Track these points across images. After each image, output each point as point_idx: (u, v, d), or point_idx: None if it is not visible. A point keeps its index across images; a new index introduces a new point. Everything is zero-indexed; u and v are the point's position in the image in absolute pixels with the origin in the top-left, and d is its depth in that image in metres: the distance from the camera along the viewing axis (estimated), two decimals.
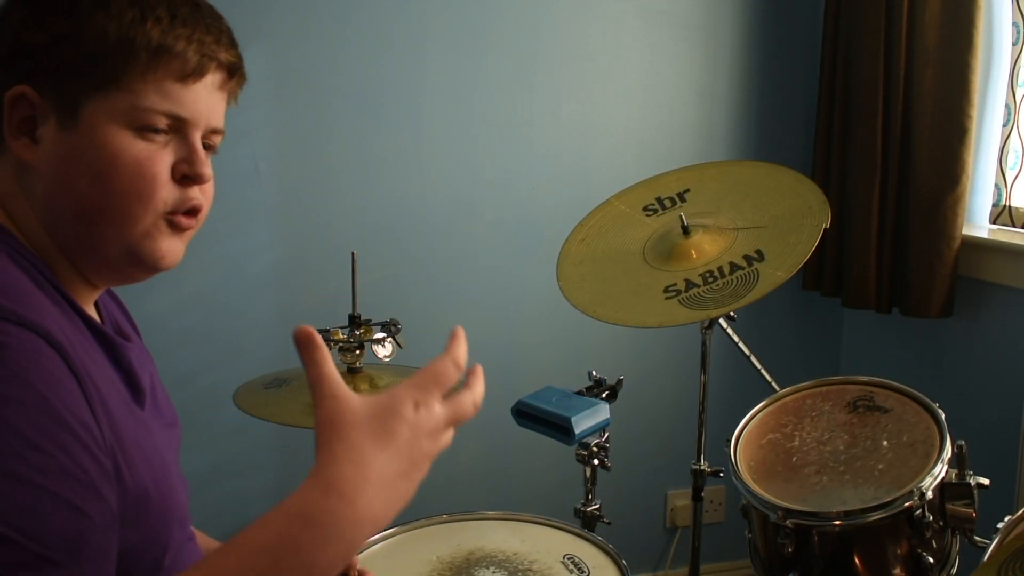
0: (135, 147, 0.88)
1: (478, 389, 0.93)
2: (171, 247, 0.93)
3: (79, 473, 0.75)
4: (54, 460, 0.74)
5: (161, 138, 0.90)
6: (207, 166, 0.94)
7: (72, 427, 0.76)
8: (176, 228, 0.93)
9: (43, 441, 0.73)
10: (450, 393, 0.87)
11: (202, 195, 0.95)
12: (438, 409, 0.84)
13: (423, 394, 0.83)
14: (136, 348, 0.99)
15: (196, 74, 0.91)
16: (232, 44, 0.95)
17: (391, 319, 1.82)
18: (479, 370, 0.95)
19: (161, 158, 0.90)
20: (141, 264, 0.93)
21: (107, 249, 0.91)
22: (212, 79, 0.93)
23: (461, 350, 0.91)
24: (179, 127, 0.91)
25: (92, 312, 0.96)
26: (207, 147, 0.96)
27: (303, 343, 0.82)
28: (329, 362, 0.83)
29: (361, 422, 0.80)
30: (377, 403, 0.81)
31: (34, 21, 0.88)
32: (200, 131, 0.93)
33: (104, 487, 0.78)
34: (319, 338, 0.82)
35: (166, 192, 0.91)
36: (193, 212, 0.94)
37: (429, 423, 0.83)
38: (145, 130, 0.89)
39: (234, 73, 0.96)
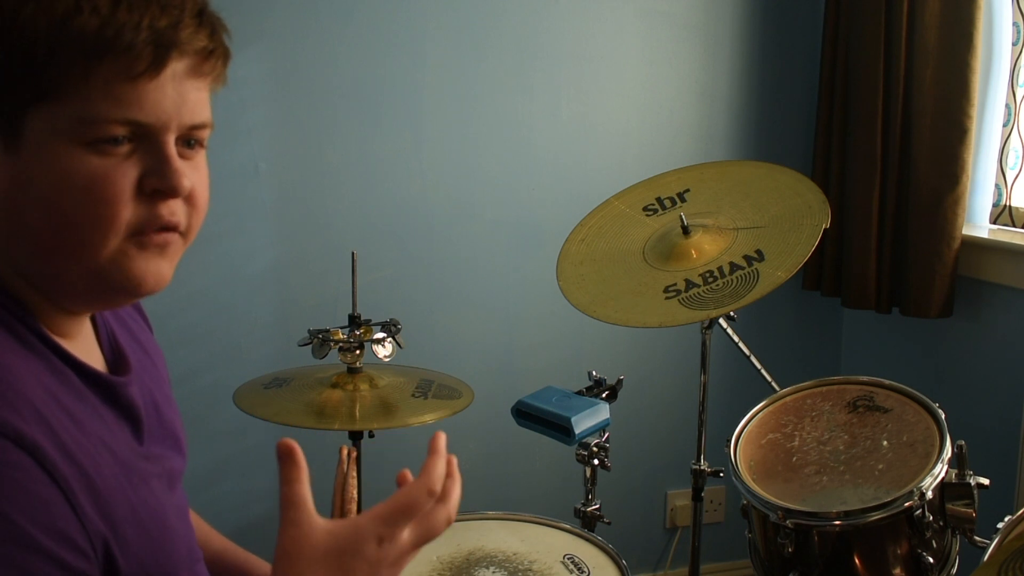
0: (87, 165, 0.75)
1: (453, 500, 0.84)
2: (149, 268, 0.81)
3: None
4: None
5: (121, 149, 0.76)
6: (183, 176, 0.79)
7: (41, 547, 0.71)
8: (151, 248, 0.80)
9: (9, 573, 0.69)
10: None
11: (181, 209, 0.81)
12: (404, 538, 0.81)
13: (389, 529, 0.79)
14: (136, 373, 0.92)
15: (151, 70, 0.75)
16: (200, 23, 0.79)
17: (391, 319, 1.82)
18: (456, 474, 0.86)
19: (122, 173, 0.76)
20: (117, 292, 0.82)
21: (75, 282, 0.80)
22: (176, 69, 0.77)
23: (438, 470, 0.83)
24: (143, 133, 0.77)
25: (85, 344, 0.88)
26: (191, 144, 0.82)
27: (283, 457, 0.78)
28: (304, 484, 0.79)
29: (319, 558, 0.77)
30: (339, 538, 0.78)
31: None
32: (172, 133, 0.79)
33: None
34: (300, 456, 0.79)
35: (129, 212, 0.77)
36: (169, 228, 0.81)
37: (392, 555, 0.80)
38: (98, 143, 0.75)
39: (207, 57, 0.80)
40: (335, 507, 1.00)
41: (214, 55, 0.81)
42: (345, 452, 0.99)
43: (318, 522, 0.79)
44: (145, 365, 0.98)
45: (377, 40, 2.30)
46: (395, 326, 1.80)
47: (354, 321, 1.77)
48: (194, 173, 0.83)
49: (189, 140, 0.82)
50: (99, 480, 0.78)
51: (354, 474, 0.98)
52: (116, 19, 0.74)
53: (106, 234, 0.77)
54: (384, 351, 1.75)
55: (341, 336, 1.75)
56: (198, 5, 0.80)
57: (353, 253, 1.76)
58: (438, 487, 0.83)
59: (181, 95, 0.79)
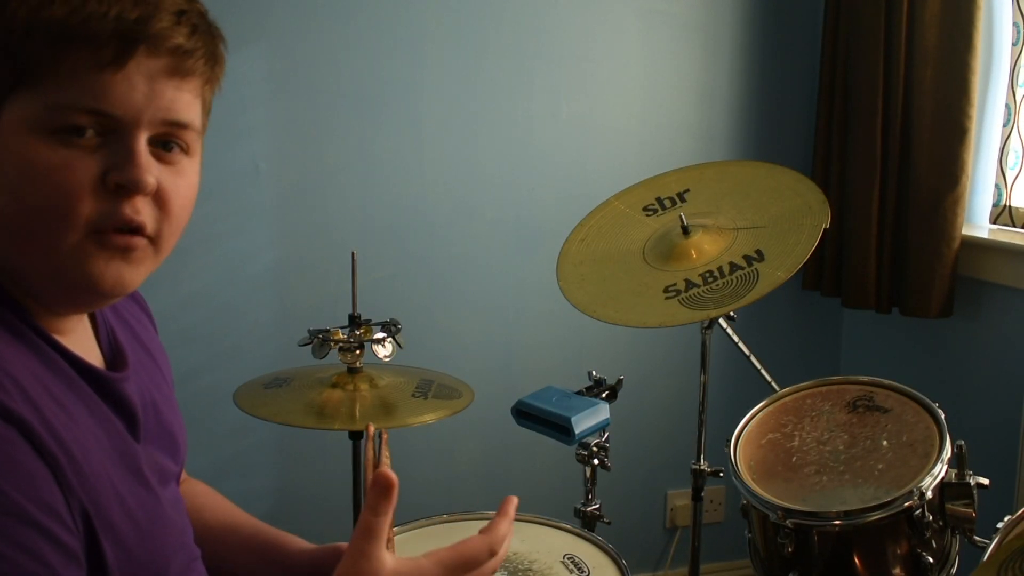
0: (50, 154, 0.75)
1: (501, 556, 0.89)
2: (108, 270, 0.78)
3: (41, 570, 0.72)
4: (15, 565, 0.70)
5: (87, 141, 0.76)
6: (145, 171, 0.77)
7: (33, 519, 0.71)
8: (111, 248, 0.78)
9: (3, 545, 0.69)
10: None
11: (148, 210, 0.79)
12: None
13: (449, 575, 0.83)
14: (134, 370, 0.91)
15: (116, 61, 0.75)
16: (178, 21, 0.78)
17: (391, 319, 1.82)
18: (511, 533, 0.91)
19: (83, 165, 0.75)
20: (78, 290, 0.80)
21: (38, 275, 0.79)
22: (149, 65, 0.77)
23: (502, 531, 0.88)
24: (110, 126, 0.76)
25: (81, 340, 0.87)
26: (168, 147, 0.81)
27: (381, 488, 0.79)
28: (388, 518, 0.80)
29: None
30: None
31: None
32: (142, 129, 0.78)
33: (69, 570, 0.75)
34: (396, 492, 0.80)
35: (89, 206, 0.76)
36: (132, 230, 0.79)
37: None
38: (62, 132, 0.75)
39: (185, 56, 0.79)
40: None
41: (193, 55, 0.79)
42: (373, 430, 0.98)
43: (386, 559, 0.81)
44: (146, 365, 0.98)
45: (377, 40, 2.30)
46: (395, 326, 1.80)
47: (354, 321, 1.77)
48: (171, 177, 0.81)
49: (167, 142, 0.81)
50: (86, 465, 0.78)
51: (387, 454, 0.98)
52: (84, 9, 0.74)
53: (63, 226, 0.76)
54: (384, 351, 1.75)
55: (341, 336, 1.75)
56: (178, 5, 0.79)
57: (353, 253, 1.76)
58: (499, 548, 0.87)
59: (154, 91, 0.77)
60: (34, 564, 0.72)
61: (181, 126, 0.81)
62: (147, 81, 0.77)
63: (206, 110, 0.87)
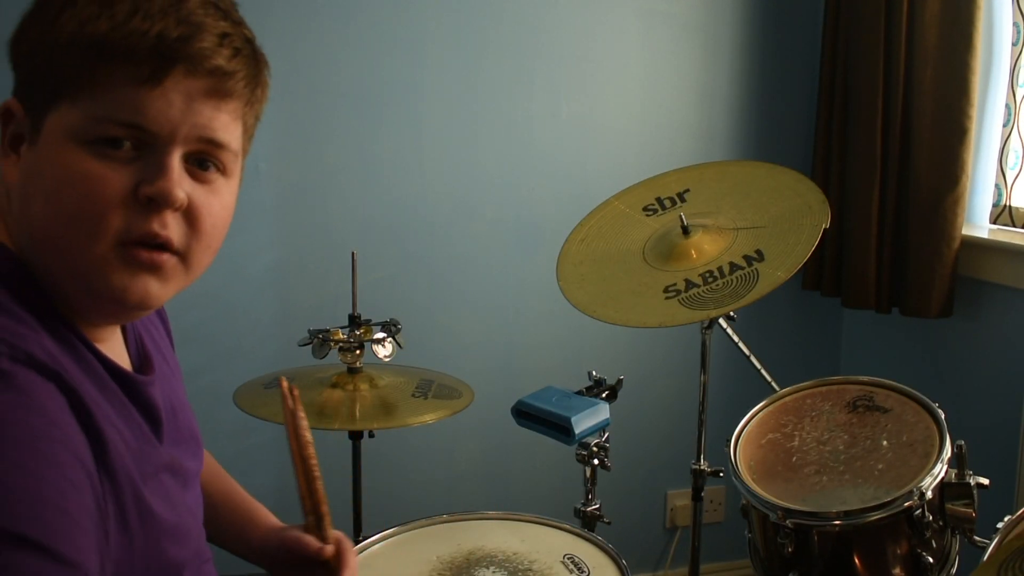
0: (85, 164, 0.76)
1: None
2: (134, 283, 0.79)
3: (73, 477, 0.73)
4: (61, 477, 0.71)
5: (122, 153, 0.77)
6: (176, 185, 0.78)
7: (72, 473, 0.72)
8: (136, 263, 0.79)
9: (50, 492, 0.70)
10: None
11: (177, 226, 0.80)
12: None
13: None
14: (159, 375, 0.93)
15: (152, 77, 0.77)
16: (220, 43, 0.80)
17: (391, 319, 1.82)
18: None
19: (116, 177, 0.77)
20: (104, 302, 0.81)
21: (71, 284, 0.80)
22: (189, 85, 0.78)
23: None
24: (146, 140, 0.78)
25: (113, 346, 0.89)
26: (203, 164, 0.82)
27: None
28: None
29: None
30: None
31: (21, 29, 0.81)
32: (177, 146, 0.79)
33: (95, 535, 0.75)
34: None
35: (119, 218, 0.77)
36: (159, 246, 0.80)
37: None
38: (99, 143, 0.77)
39: (226, 78, 0.80)
40: (294, 455, 1.00)
41: (234, 78, 0.81)
42: (286, 385, 0.99)
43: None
44: (164, 371, 1.00)
45: (377, 40, 2.30)
46: (395, 326, 1.80)
47: (354, 321, 1.77)
48: (204, 195, 0.82)
49: (203, 160, 0.82)
50: (115, 458, 0.79)
51: (303, 414, 0.99)
52: (127, 25, 0.76)
53: (92, 236, 0.77)
54: (384, 351, 1.75)
55: (341, 336, 1.75)
56: (222, 28, 0.80)
57: (353, 253, 1.76)
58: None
59: (192, 109, 0.79)
60: (62, 479, 0.72)
61: (217, 145, 0.82)
62: (184, 99, 0.79)
63: (248, 133, 0.89)
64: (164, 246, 0.80)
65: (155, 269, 0.80)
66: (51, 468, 0.70)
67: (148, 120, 0.77)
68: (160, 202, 0.78)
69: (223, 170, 0.84)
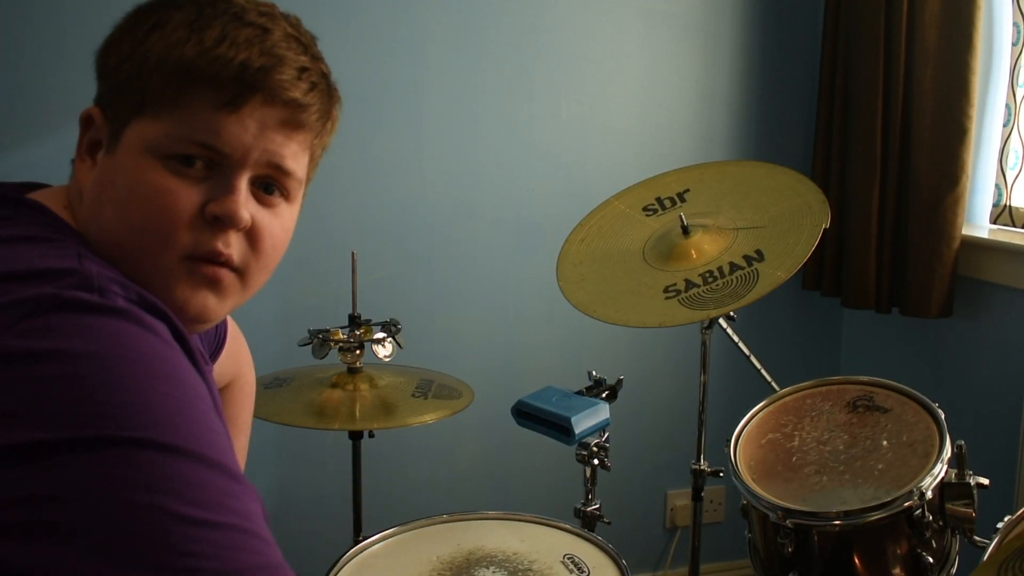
0: (159, 179, 0.80)
1: None
2: (195, 297, 0.83)
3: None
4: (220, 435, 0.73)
5: (195, 172, 0.81)
6: (241, 207, 0.82)
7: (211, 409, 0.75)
8: (199, 277, 0.83)
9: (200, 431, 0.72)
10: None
11: (239, 245, 0.84)
12: None
13: None
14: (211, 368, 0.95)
15: (232, 103, 0.80)
16: (299, 76, 0.84)
17: (391, 319, 1.82)
18: None
19: (187, 194, 0.81)
20: None
21: None
22: (265, 113, 0.82)
23: None
24: (217, 161, 0.82)
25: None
26: (269, 188, 0.86)
27: None
28: None
29: None
30: None
31: (110, 43, 0.85)
32: (246, 169, 0.83)
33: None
34: None
35: (187, 234, 0.81)
36: (222, 263, 0.83)
37: None
38: (174, 160, 0.80)
39: (300, 110, 0.84)
40: None
41: (308, 110, 0.85)
42: None
43: None
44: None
45: (377, 40, 2.30)
46: (395, 326, 1.80)
47: (354, 321, 1.77)
48: (267, 218, 0.86)
49: (269, 185, 0.86)
50: (215, 397, 0.81)
51: None
52: (213, 52, 0.80)
53: (160, 249, 0.81)
54: (384, 351, 1.75)
55: (341, 336, 1.75)
56: (302, 62, 0.84)
57: (353, 253, 1.76)
58: None
59: (265, 136, 0.83)
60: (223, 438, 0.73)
61: (284, 172, 0.86)
62: (259, 126, 0.82)
63: (314, 162, 0.92)
64: (226, 263, 0.84)
65: (215, 284, 0.84)
66: (199, 400, 0.72)
67: (223, 142, 0.81)
68: (226, 221, 0.82)
69: (287, 195, 0.88)
